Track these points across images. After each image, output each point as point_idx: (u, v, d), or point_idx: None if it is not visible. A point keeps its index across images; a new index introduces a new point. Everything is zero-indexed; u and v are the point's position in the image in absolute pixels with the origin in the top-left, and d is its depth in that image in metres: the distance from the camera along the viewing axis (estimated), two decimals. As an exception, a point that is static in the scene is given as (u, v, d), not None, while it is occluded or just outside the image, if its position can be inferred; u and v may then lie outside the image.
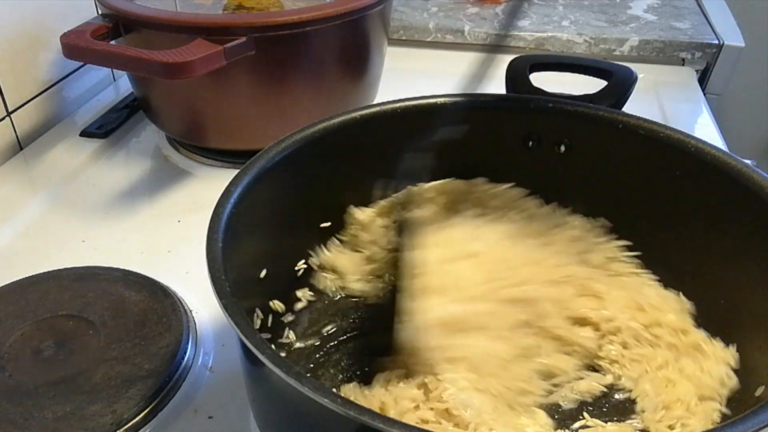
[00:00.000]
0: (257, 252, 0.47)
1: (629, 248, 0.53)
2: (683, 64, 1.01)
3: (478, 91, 0.51)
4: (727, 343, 0.45)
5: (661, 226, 0.50)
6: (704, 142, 0.47)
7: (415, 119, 0.52)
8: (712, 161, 0.46)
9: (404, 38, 1.08)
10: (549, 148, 0.53)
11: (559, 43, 1.03)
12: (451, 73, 1.01)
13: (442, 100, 0.52)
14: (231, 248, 0.39)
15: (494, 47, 1.04)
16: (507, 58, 0.57)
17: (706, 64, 1.01)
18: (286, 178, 0.47)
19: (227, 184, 0.43)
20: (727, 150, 0.47)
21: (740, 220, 0.45)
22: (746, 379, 0.43)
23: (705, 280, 0.48)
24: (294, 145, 0.47)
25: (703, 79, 1.02)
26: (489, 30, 1.05)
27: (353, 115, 0.51)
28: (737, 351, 0.45)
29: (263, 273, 0.48)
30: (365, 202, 0.54)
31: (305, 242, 0.52)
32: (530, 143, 0.54)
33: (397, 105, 0.52)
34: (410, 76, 0.93)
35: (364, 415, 0.28)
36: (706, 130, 0.83)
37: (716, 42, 0.99)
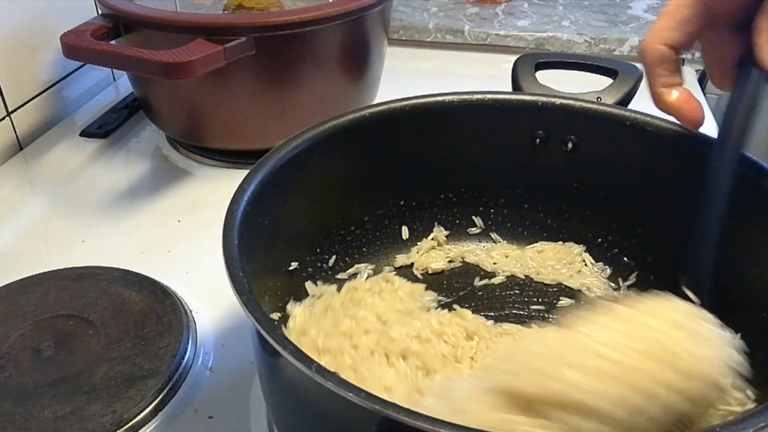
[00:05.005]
0: (269, 250, 0.47)
1: (635, 247, 0.53)
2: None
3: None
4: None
5: (669, 223, 0.50)
6: (713, 139, 0.47)
7: (423, 117, 0.52)
8: None
9: (404, 38, 1.08)
10: (556, 146, 0.53)
11: (559, 43, 1.03)
12: (451, 73, 1.02)
13: (450, 98, 0.52)
14: (245, 246, 0.39)
15: (494, 47, 1.05)
16: (508, 58, 0.57)
17: (707, 64, 1.00)
18: (297, 176, 0.47)
19: (239, 182, 0.42)
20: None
21: (749, 214, 0.45)
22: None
23: (717, 274, 0.48)
24: (305, 143, 0.47)
25: (703, 79, 1.01)
26: (489, 30, 1.05)
27: (362, 113, 0.51)
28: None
29: (288, 268, 0.48)
30: (374, 201, 0.54)
31: (316, 241, 0.52)
32: (537, 141, 0.54)
33: (406, 103, 0.52)
34: (410, 76, 0.93)
35: (388, 408, 0.28)
36: (706, 130, 0.83)
37: (716, 42, 0.99)
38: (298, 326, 0.46)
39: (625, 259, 0.54)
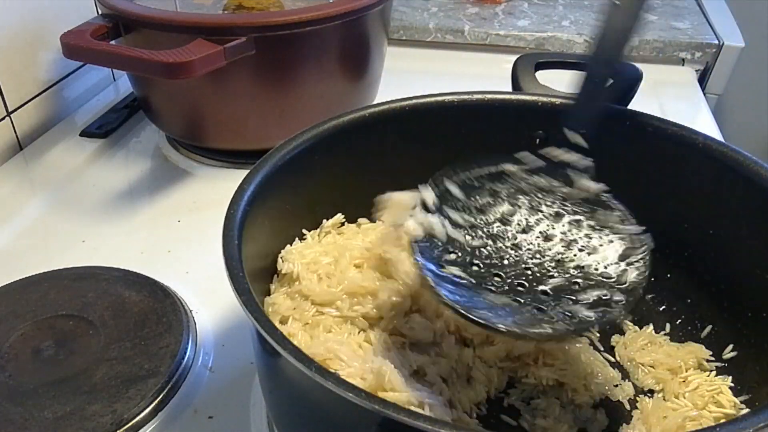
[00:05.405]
0: (267, 249, 0.47)
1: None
2: (683, 64, 1.01)
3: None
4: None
5: (670, 223, 0.50)
6: (712, 139, 0.47)
7: (423, 117, 0.52)
8: (720, 157, 0.46)
9: (404, 38, 1.08)
10: (555, 146, 0.53)
11: (559, 43, 1.03)
12: (451, 73, 1.02)
13: (450, 98, 0.52)
14: (245, 246, 0.39)
15: (494, 47, 1.05)
16: (508, 58, 0.57)
17: (706, 64, 1.01)
18: (297, 176, 0.47)
19: (239, 182, 0.42)
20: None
21: (750, 214, 0.45)
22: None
23: (712, 274, 0.48)
24: (305, 144, 0.47)
25: (703, 79, 1.02)
26: (489, 30, 1.05)
27: (362, 113, 0.50)
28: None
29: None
30: (373, 202, 0.54)
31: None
32: (537, 141, 0.53)
33: (405, 103, 0.52)
34: (410, 76, 0.93)
35: (388, 408, 0.28)
36: (706, 130, 0.82)
37: (716, 42, 0.99)
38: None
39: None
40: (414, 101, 0.52)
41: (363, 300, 0.45)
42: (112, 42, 0.67)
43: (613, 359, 0.49)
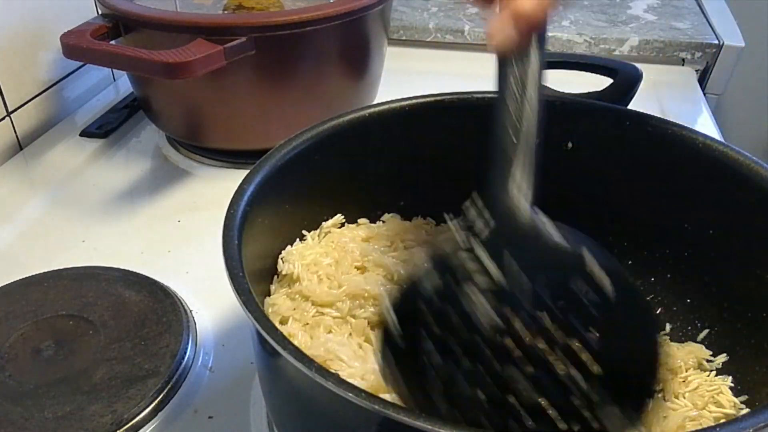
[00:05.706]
0: (267, 250, 0.47)
1: (634, 248, 0.53)
2: (683, 64, 1.02)
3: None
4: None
5: (670, 224, 0.50)
6: (712, 139, 0.47)
7: (423, 117, 0.52)
8: (720, 157, 0.46)
9: (404, 38, 1.08)
10: (556, 146, 0.53)
11: (559, 43, 1.03)
12: (451, 73, 1.02)
13: (449, 97, 0.52)
14: (245, 246, 0.39)
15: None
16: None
17: (706, 64, 1.01)
18: (297, 176, 0.47)
19: (239, 182, 0.42)
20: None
21: (750, 214, 0.45)
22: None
23: (712, 274, 0.48)
24: (305, 143, 0.47)
25: (703, 79, 1.02)
26: (489, 30, 1.05)
27: (362, 113, 0.50)
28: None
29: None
30: (374, 202, 0.54)
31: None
32: (537, 141, 0.54)
33: (406, 103, 0.52)
34: (410, 76, 0.93)
35: (388, 408, 0.28)
36: (706, 130, 0.82)
37: (716, 42, 0.99)
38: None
39: (625, 261, 0.54)
40: (414, 101, 0.52)
41: (365, 303, 0.45)
42: (112, 42, 0.67)
43: (613, 359, 0.49)
